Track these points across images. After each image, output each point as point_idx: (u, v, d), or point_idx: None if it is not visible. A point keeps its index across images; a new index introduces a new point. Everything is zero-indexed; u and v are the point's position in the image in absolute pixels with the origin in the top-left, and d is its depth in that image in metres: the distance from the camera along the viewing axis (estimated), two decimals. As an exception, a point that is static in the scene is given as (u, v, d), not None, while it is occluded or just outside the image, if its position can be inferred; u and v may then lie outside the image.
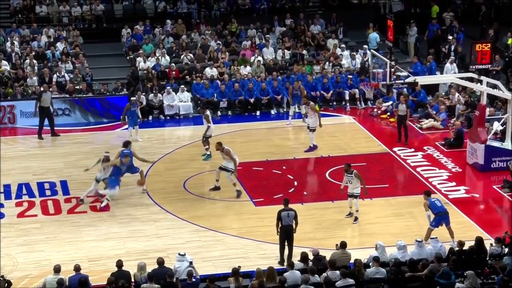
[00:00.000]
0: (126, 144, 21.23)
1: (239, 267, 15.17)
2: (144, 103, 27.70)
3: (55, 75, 28.47)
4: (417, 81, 23.90)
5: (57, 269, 15.33)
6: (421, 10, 35.36)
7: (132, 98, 25.78)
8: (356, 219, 19.42)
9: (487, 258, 15.87)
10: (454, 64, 27.63)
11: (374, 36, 32.02)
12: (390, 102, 27.24)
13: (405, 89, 26.35)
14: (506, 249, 16.00)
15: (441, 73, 28.33)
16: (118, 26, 33.06)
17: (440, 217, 18.02)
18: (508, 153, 22.32)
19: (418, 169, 22.79)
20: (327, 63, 30.28)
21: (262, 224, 19.16)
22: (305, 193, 21.29)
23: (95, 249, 18.15)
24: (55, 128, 25.96)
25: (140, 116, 25.90)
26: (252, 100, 28.21)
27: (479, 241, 16.15)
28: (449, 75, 26.99)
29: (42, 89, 26.47)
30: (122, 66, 31.02)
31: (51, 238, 18.73)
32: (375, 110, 27.83)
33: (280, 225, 17.27)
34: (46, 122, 25.77)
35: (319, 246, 17.04)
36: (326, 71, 29.52)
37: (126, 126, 25.74)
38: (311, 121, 23.95)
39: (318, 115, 23.90)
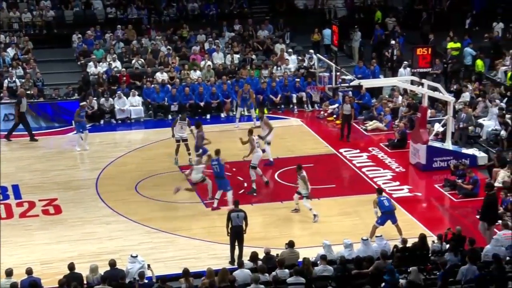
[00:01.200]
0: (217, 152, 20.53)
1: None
2: (96, 107, 27.43)
3: (6, 80, 27.99)
4: (361, 84, 24.12)
5: (9, 273, 15.07)
6: (365, 15, 35.72)
7: (81, 104, 25.31)
8: (315, 216, 19.52)
9: (429, 255, 16.09)
10: (408, 69, 27.99)
11: (327, 32, 32.37)
12: (336, 105, 27.45)
13: (350, 92, 26.63)
14: (447, 246, 16.26)
15: (393, 77, 28.64)
16: (68, 32, 32.67)
17: (386, 216, 18.23)
18: (448, 153, 22.68)
19: (364, 169, 23.00)
20: (275, 67, 30.37)
21: (213, 225, 19.10)
22: (254, 194, 21.26)
23: (48, 252, 17.91)
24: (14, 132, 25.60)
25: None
26: (202, 103, 28.14)
27: (422, 238, 16.38)
28: (392, 78, 27.33)
29: (19, 93, 26.15)
30: (73, 71, 30.67)
31: (4, 242, 18.33)
32: (322, 112, 28.01)
33: (230, 226, 17.26)
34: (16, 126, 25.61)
35: (270, 245, 17.07)
36: (274, 75, 29.62)
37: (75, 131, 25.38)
38: (266, 135, 23.08)
39: (270, 129, 23.08)
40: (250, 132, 21.77)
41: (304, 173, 19.63)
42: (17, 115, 25.54)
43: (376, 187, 20.04)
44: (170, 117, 28.08)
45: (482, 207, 17.61)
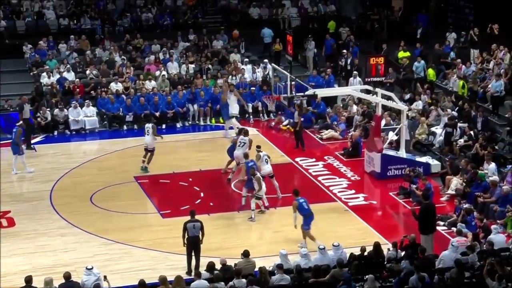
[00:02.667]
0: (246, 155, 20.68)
1: None
2: (49, 118, 27.12)
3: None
4: (316, 93, 24.29)
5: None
6: (319, 25, 36.02)
7: (18, 124, 24.05)
8: (251, 218, 19.98)
9: (385, 262, 16.24)
10: (359, 78, 28.32)
11: (268, 32, 32.64)
12: (287, 121, 27.49)
13: (304, 102, 26.70)
14: (403, 253, 16.44)
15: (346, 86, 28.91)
16: (20, 42, 32.28)
17: (309, 218, 18.58)
18: (402, 161, 22.94)
19: (320, 178, 23.14)
20: (230, 76, 30.42)
21: (169, 235, 19.01)
22: (211, 204, 21.24)
23: (2, 266, 17.55)
24: None
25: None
26: (157, 113, 28.03)
27: (376, 246, 16.51)
28: (346, 88, 27.58)
29: (21, 101, 25.92)
30: (25, 82, 30.27)
31: (-45, 256, 18.03)
32: (272, 123, 28.08)
33: (186, 236, 17.21)
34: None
35: (227, 255, 17.03)
36: (232, 87, 29.59)
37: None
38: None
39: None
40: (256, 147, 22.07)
41: (258, 174, 20.08)
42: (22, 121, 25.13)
43: (294, 189, 20.00)
44: (125, 127, 27.92)
45: (418, 218, 17.70)
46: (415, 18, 34.41)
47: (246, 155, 20.93)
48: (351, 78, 28.98)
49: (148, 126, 23.49)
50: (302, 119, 25.47)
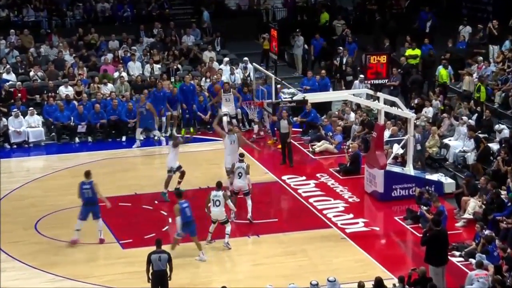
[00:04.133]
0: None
1: None
2: (-15, 129, 27.00)
3: None
4: (306, 98, 24.32)
5: None
6: (309, 17, 36.16)
7: None
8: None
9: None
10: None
11: (206, 14, 33.97)
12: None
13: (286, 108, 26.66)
14: (411, 289, 16.46)
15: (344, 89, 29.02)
16: (-51, 37, 32.17)
17: (189, 227, 19.37)
18: (410, 179, 22.99)
19: (311, 200, 23.12)
20: (203, 79, 30.43)
21: (131, 270, 18.90)
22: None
23: None
24: None
25: None
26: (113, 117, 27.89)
27: (379, 281, 16.51)
28: (343, 92, 27.63)
29: None
30: (-44, 85, 30.11)
31: None
32: (253, 136, 28.09)
33: (151, 271, 17.13)
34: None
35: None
36: (202, 88, 29.66)
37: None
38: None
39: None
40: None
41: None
42: None
43: (177, 187, 20.46)
44: (77, 139, 27.80)
45: (426, 246, 17.74)
46: (424, 9, 34.60)
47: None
48: (356, 81, 29.07)
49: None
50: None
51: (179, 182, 23.03)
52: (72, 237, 20.38)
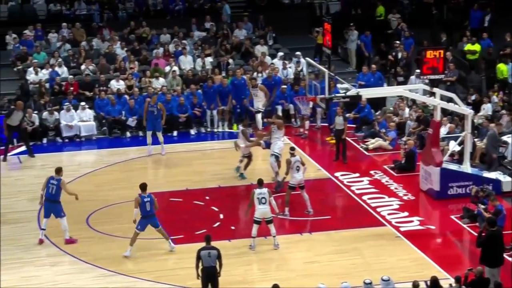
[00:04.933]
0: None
1: None
2: (37, 123, 27.34)
3: None
4: (360, 94, 24.27)
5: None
6: (363, 11, 36.01)
7: None
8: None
9: (446, 300, 16.14)
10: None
11: (225, 9, 33.94)
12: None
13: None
14: (468, 290, 16.34)
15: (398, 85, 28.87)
16: (2, 31, 32.59)
17: (147, 220, 19.41)
18: (467, 177, 22.80)
19: (365, 197, 23.07)
20: (255, 73, 30.50)
21: (181, 265, 19.04)
22: (232, 228, 21.27)
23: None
24: None
25: None
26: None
27: (435, 281, 16.42)
28: (397, 87, 27.50)
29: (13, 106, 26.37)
30: (8, 79, 30.63)
31: None
32: (301, 130, 28.13)
33: (201, 267, 17.22)
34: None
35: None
36: (254, 82, 29.71)
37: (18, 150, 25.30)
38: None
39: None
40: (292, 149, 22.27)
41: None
42: (6, 129, 25.67)
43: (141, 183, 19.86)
44: (128, 134, 28.05)
45: (482, 247, 17.58)
46: (481, 2, 34.23)
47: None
48: (412, 77, 28.91)
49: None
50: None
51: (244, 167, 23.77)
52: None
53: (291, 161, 21.74)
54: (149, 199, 19.39)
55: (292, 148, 22.37)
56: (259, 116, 27.36)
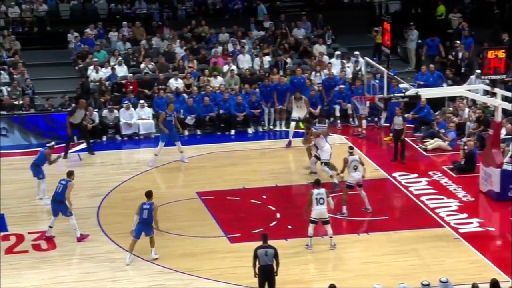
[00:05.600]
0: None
1: None
2: (97, 121, 27.64)
3: (-10, 88, 28.38)
4: (419, 94, 24.10)
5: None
6: (424, 10, 35.74)
7: (48, 143, 23.33)
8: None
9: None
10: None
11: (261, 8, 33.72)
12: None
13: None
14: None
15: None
16: (64, 30, 33.03)
17: (142, 226, 19.18)
18: (528, 179, 22.53)
19: (423, 198, 22.92)
20: (313, 72, 30.46)
21: (238, 264, 19.09)
22: (289, 227, 21.27)
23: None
24: None
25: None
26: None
27: (495, 284, 16.20)
28: (457, 87, 27.23)
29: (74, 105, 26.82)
30: (69, 77, 31.03)
31: (-15, 283, 18.57)
32: (359, 129, 27.99)
33: (258, 265, 17.25)
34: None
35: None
36: (312, 81, 29.71)
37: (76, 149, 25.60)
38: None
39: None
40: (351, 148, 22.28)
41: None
42: (69, 126, 26.00)
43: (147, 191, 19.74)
44: (186, 132, 28.21)
45: None
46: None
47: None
48: (472, 77, 28.61)
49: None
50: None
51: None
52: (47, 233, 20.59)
53: (348, 160, 21.68)
54: (148, 207, 19.23)
55: (351, 147, 22.30)
56: (293, 125, 26.95)
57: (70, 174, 20.66)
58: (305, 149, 24.74)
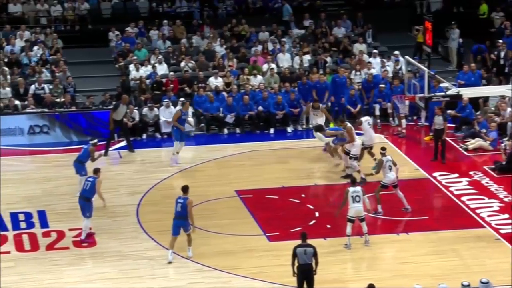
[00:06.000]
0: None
1: None
2: (137, 118, 27.80)
3: (32, 86, 28.58)
4: (460, 93, 23.96)
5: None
6: (466, 9, 35.47)
7: (91, 141, 23.38)
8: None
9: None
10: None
11: (286, 8, 33.64)
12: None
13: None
14: None
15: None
16: (105, 28, 33.27)
17: (177, 221, 19.21)
18: None
19: (463, 198, 22.78)
20: (353, 71, 30.37)
21: (277, 263, 19.10)
22: (328, 226, 21.24)
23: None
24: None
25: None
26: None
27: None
28: (500, 87, 27.08)
29: (121, 100, 26.80)
30: (110, 75, 31.24)
31: (27, 279, 18.72)
32: (399, 129, 27.84)
33: (296, 264, 17.24)
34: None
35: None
36: (352, 80, 29.62)
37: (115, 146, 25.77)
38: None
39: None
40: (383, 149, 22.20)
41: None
42: (112, 122, 26.22)
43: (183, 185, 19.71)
44: (225, 131, 28.27)
45: None
46: None
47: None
48: None
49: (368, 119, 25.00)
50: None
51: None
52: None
53: (383, 161, 21.62)
54: (182, 201, 19.27)
55: (383, 148, 22.19)
56: (317, 134, 26.08)
57: (96, 171, 20.76)
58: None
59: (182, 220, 19.28)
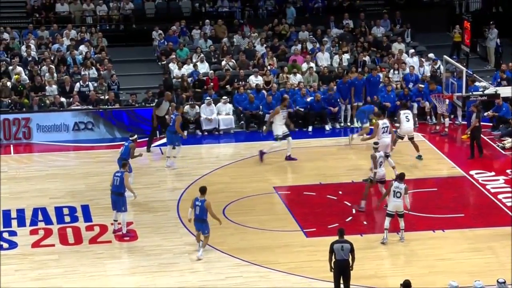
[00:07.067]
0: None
1: None
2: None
3: (77, 84, 28.84)
4: (498, 92, 23.75)
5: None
6: (504, 9, 35.10)
7: (132, 137, 23.30)
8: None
9: None
10: None
11: (291, 11, 33.62)
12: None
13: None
14: None
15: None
16: (149, 27, 33.46)
17: (196, 223, 19.33)
18: None
19: (500, 197, 22.58)
20: (391, 70, 30.20)
21: (314, 258, 19.10)
22: (365, 222, 21.18)
23: (120, 285, 18.28)
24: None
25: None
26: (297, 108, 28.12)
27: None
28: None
29: (164, 97, 26.85)
30: (153, 73, 31.38)
31: (71, 271, 18.90)
32: (437, 127, 27.62)
33: (333, 260, 17.20)
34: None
35: (382, 285, 16.92)
36: (390, 79, 29.46)
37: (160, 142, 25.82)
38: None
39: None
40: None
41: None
42: (155, 119, 26.37)
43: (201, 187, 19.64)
44: (264, 128, 28.22)
45: None
46: None
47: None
48: None
49: (407, 112, 24.89)
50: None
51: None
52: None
53: (376, 156, 21.60)
54: (200, 204, 19.20)
55: (376, 143, 22.18)
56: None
57: (124, 165, 20.86)
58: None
59: (200, 223, 19.35)
